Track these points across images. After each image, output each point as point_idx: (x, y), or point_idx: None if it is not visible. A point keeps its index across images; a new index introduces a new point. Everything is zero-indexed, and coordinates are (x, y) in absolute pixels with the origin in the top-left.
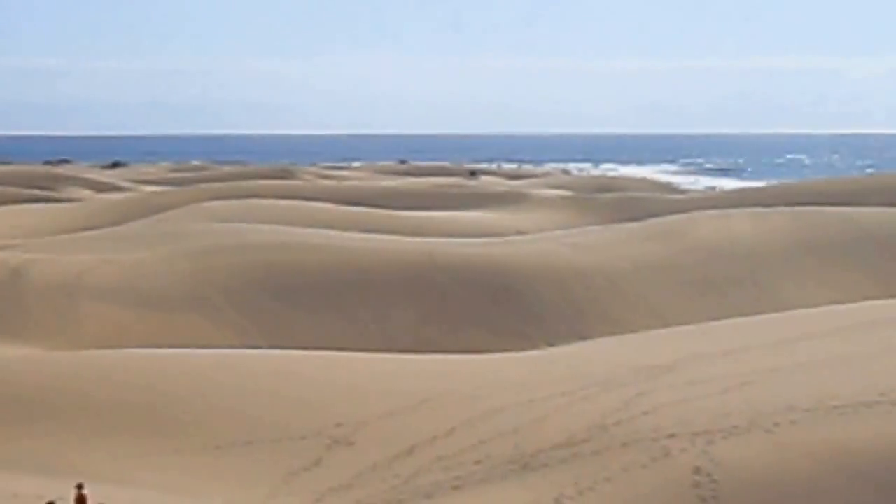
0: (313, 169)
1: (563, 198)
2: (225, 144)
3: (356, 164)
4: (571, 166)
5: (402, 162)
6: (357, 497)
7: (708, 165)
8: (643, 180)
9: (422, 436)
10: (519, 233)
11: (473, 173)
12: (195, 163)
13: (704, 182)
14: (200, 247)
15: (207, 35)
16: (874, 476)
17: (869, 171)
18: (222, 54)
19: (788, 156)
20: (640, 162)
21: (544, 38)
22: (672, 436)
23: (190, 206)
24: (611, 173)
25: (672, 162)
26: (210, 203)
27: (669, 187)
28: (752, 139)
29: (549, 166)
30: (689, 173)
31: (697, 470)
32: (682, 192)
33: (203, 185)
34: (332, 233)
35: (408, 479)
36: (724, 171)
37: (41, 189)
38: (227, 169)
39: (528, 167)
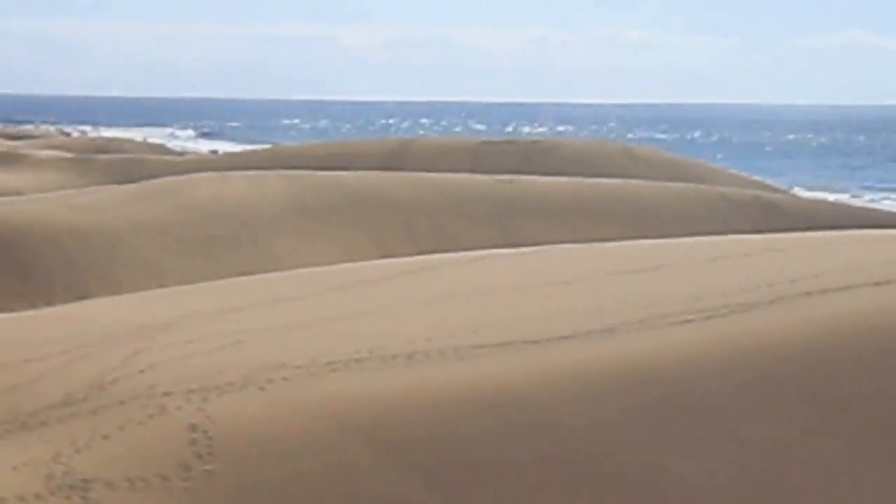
0: None
1: (61, 159)
2: None
3: None
4: (70, 128)
5: None
6: None
7: (205, 129)
8: (142, 143)
9: None
10: (18, 193)
11: None
12: None
13: (203, 145)
14: None
15: None
16: (364, 430)
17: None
18: None
19: (286, 121)
20: (138, 124)
21: None
22: (168, 393)
23: None
24: (108, 134)
25: (168, 125)
26: None
27: (166, 149)
28: (254, 104)
29: (46, 127)
30: (187, 137)
31: (193, 427)
32: (180, 154)
33: None
34: None
35: None
36: (219, 135)
37: None
38: None
39: (27, 127)
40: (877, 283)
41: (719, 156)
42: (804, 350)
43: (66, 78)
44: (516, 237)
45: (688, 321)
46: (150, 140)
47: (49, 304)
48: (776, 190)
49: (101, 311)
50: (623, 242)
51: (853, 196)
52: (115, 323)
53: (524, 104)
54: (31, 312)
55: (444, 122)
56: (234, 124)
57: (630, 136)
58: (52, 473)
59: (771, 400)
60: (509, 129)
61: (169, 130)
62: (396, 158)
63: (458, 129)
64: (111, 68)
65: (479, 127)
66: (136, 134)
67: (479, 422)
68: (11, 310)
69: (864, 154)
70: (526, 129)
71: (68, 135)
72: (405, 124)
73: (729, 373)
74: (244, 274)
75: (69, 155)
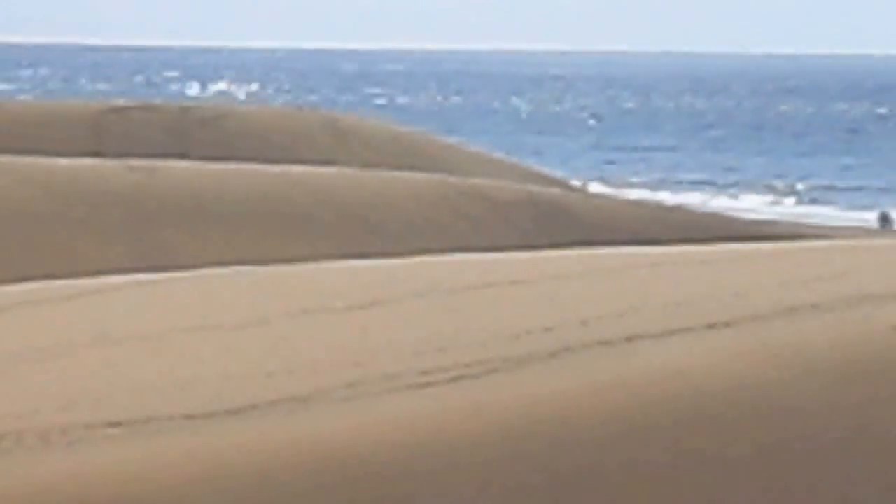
0: None
1: None
2: None
3: None
4: None
5: None
6: None
7: None
8: None
9: None
10: None
11: None
12: None
13: None
14: None
15: None
16: None
17: None
18: None
19: None
20: None
21: None
22: None
23: None
24: None
25: None
26: None
27: None
28: None
29: None
30: None
31: None
32: None
33: None
34: None
35: None
36: None
37: None
38: None
39: None
40: (710, 326)
41: (454, 125)
42: (604, 428)
43: None
44: (158, 256)
45: (421, 385)
46: None
47: None
48: (557, 183)
49: None
50: (324, 265)
51: (655, 190)
52: None
53: (156, 48)
54: None
55: (43, 72)
56: None
57: (314, 98)
58: None
59: None
60: (143, 82)
61: None
62: None
63: (86, 84)
64: None
65: (102, 87)
66: None
67: None
68: None
69: (661, 129)
70: (174, 86)
71: None
72: None
73: (486, 468)
74: None
75: None
